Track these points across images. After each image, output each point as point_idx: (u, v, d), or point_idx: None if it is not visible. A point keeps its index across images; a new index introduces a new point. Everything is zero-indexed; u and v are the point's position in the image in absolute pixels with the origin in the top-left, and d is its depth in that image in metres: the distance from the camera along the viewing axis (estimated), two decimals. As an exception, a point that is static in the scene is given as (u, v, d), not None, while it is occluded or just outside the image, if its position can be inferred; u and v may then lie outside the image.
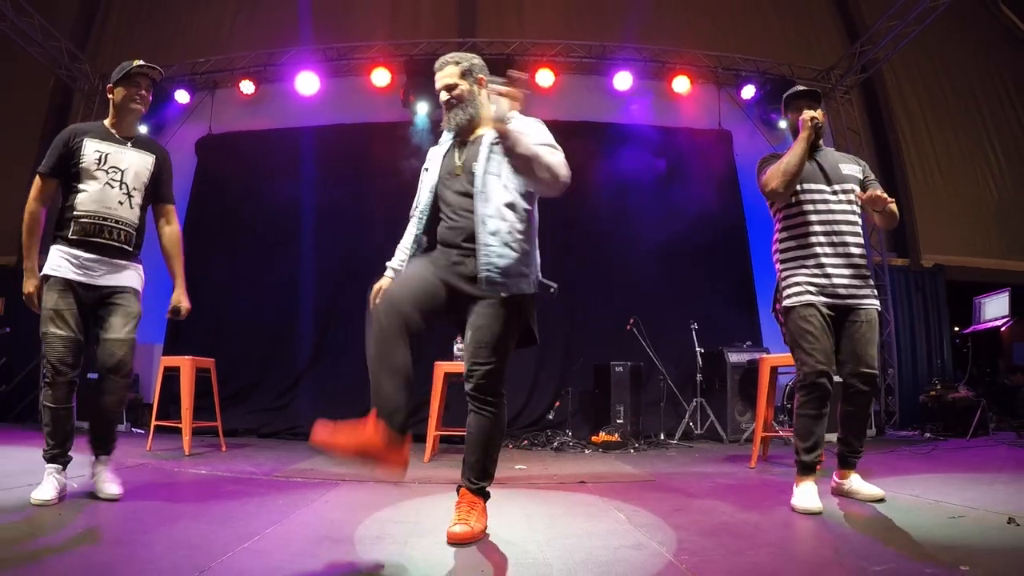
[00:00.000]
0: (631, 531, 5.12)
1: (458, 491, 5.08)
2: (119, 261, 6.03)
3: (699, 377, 13.12)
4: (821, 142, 6.50)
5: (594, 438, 11.88)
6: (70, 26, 16.17)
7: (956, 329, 16.09)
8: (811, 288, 6.15)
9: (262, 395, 14.29)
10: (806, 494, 5.88)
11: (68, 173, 5.99)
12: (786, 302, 6.25)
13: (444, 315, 5.04)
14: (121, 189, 6.02)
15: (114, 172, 6.00)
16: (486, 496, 5.10)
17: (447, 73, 5.23)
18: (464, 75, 5.24)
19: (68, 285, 5.86)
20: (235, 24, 16.62)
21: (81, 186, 5.95)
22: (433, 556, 4.37)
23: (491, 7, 16.65)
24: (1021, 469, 8.30)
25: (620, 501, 6.41)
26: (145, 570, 3.92)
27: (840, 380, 6.28)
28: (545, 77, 15.28)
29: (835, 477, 6.52)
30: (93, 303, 5.97)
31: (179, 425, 10.15)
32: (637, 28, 15.26)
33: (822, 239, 6.21)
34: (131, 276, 6.15)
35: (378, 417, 4.63)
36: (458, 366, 9.87)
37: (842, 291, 6.16)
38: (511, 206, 4.92)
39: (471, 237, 4.94)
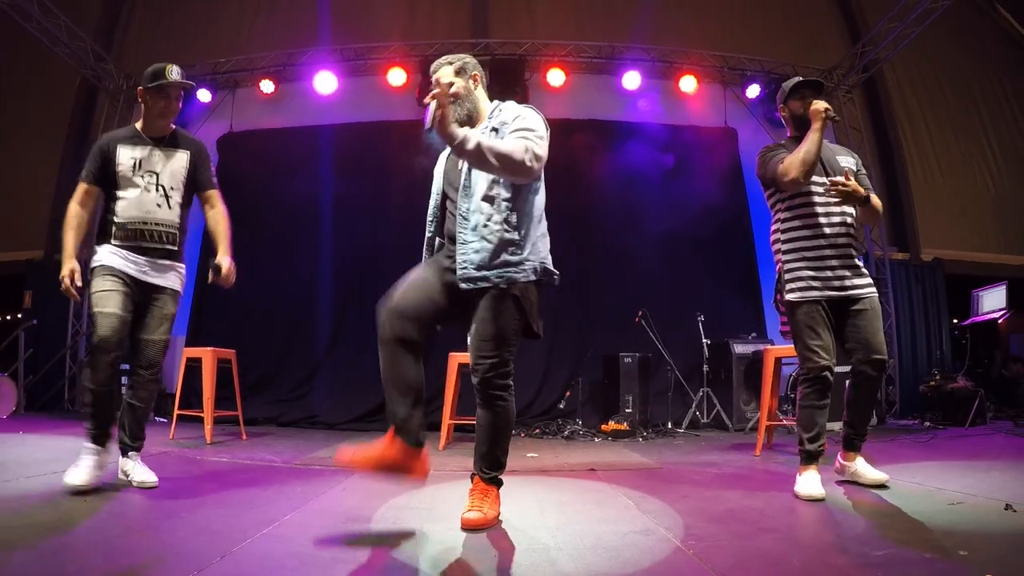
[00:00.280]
0: (639, 517, 5.11)
1: (472, 479, 5.09)
2: (163, 261, 6.05)
3: (705, 368, 13.11)
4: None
5: (603, 427, 11.88)
6: (94, 26, 16.20)
7: (955, 321, 16.08)
8: (814, 283, 6.13)
9: (281, 385, 14.32)
10: (810, 482, 5.87)
11: (107, 181, 6.00)
12: (789, 296, 6.21)
13: (449, 317, 5.06)
14: (158, 192, 6.02)
15: (150, 176, 6.01)
16: (499, 484, 5.10)
17: (442, 74, 5.17)
18: (459, 73, 5.21)
19: (117, 273, 5.85)
20: (255, 25, 16.65)
21: (120, 193, 5.97)
22: (447, 541, 4.37)
23: (503, 9, 16.66)
24: (1018, 457, 8.28)
25: (629, 488, 6.41)
26: (168, 555, 3.92)
27: (840, 368, 6.26)
28: (556, 77, 15.34)
29: (840, 459, 6.50)
30: (137, 297, 5.96)
31: (201, 414, 10.18)
32: (645, 29, 15.27)
33: (825, 231, 6.18)
34: (173, 278, 6.17)
35: (395, 433, 4.74)
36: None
37: (844, 283, 6.15)
38: (491, 199, 4.88)
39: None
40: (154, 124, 6.16)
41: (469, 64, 5.28)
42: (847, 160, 6.51)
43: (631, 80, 15.37)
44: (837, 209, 6.23)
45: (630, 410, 12.23)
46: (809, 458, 6.08)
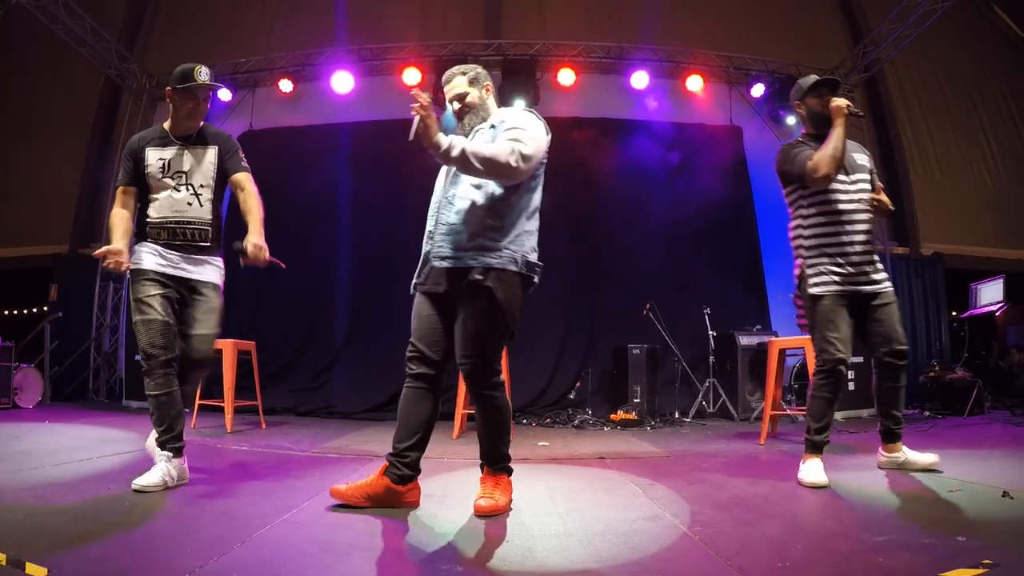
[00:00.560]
0: (647, 504, 5.12)
1: (481, 468, 5.12)
2: (197, 256, 5.97)
3: (711, 359, 13.13)
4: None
5: (612, 416, 11.89)
6: (118, 27, 16.22)
7: (954, 314, 16.07)
8: (836, 278, 6.12)
9: (299, 376, 14.35)
10: (813, 469, 5.87)
11: (140, 182, 5.96)
12: (813, 290, 6.18)
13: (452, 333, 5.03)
14: (188, 191, 5.96)
15: (178, 176, 5.95)
16: (509, 472, 5.12)
17: (456, 84, 5.22)
18: (472, 83, 5.21)
19: (152, 275, 5.78)
20: (274, 26, 16.66)
21: (151, 195, 5.93)
22: (461, 527, 4.38)
23: (515, 10, 16.66)
24: (1015, 445, 8.28)
25: (637, 476, 6.41)
26: (189, 541, 3.93)
27: (847, 361, 6.24)
28: (567, 76, 15.34)
29: (883, 452, 6.49)
30: (179, 295, 5.90)
31: (221, 404, 10.27)
32: (653, 30, 15.27)
33: (846, 227, 6.18)
34: (211, 271, 6.08)
35: (386, 469, 4.93)
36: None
37: (867, 278, 6.16)
38: (479, 186, 4.87)
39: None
40: (182, 124, 6.10)
41: (481, 74, 5.29)
42: (862, 158, 6.51)
43: (639, 79, 15.34)
44: (858, 206, 6.24)
45: (638, 400, 12.24)
46: (814, 448, 6.07)
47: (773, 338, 11.29)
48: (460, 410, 10.11)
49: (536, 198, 5.14)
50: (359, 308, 14.52)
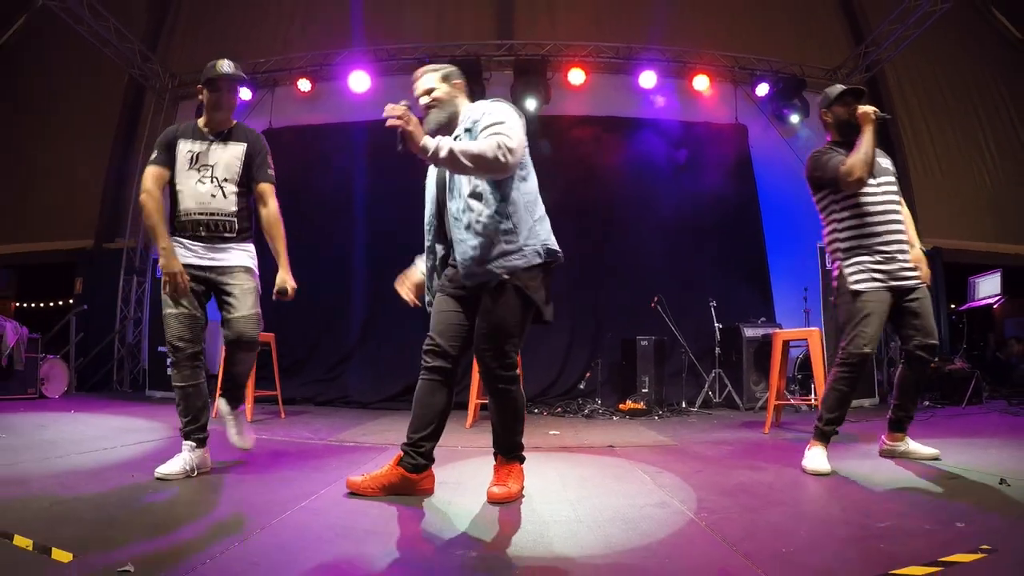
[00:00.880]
0: (655, 491, 5.12)
1: (495, 456, 5.11)
2: (222, 245, 5.93)
3: (717, 350, 13.14)
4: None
5: (621, 406, 11.88)
6: (141, 28, 16.25)
7: (952, 306, 16.06)
8: (877, 275, 6.12)
9: (317, 367, 14.40)
10: (817, 457, 5.89)
11: (172, 171, 5.93)
12: (855, 286, 6.15)
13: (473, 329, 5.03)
14: (212, 183, 5.93)
15: (205, 169, 5.93)
16: (521, 460, 5.11)
17: (426, 79, 5.17)
18: (443, 79, 5.16)
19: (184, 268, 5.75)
20: (293, 27, 16.67)
21: (178, 187, 5.91)
22: (475, 513, 4.38)
23: (527, 11, 16.67)
24: (1012, 434, 8.27)
25: (645, 464, 6.41)
26: (211, 527, 3.94)
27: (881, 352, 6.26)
28: (577, 76, 15.39)
29: (886, 440, 6.52)
30: (209, 285, 5.91)
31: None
32: (661, 31, 15.28)
33: (878, 227, 6.19)
34: (239, 255, 6.02)
35: (401, 458, 4.94)
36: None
37: (904, 274, 6.16)
38: (478, 195, 4.81)
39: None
40: (212, 118, 6.11)
41: (453, 72, 5.24)
42: (885, 161, 6.53)
43: (647, 79, 15.37)
44: (888, 207, 6.28)
45: (646, 390, 12.22)
46: (823, 437, 6.07)
47: (777, 330, 11.27)
48: (474, 400, 10.14)
49: (532, 185, 5.11)
50: (374, 302, 14.48)
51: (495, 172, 4.69)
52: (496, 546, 3.68)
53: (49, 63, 16.85)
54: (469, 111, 5.08)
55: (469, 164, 4.56)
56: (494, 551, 3.60)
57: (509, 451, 5.05)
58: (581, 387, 13.70)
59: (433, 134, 4.83)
